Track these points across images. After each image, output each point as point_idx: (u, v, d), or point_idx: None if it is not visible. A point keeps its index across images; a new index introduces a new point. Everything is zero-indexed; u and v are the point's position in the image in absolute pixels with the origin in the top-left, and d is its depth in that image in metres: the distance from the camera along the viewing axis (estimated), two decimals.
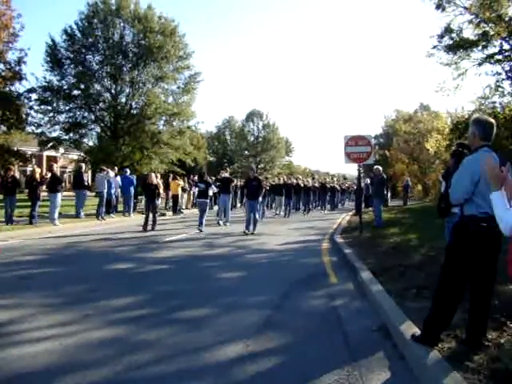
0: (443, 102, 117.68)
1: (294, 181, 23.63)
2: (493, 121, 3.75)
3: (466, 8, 18.57)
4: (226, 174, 17.22)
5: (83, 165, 20.67)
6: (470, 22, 18.82)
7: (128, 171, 19.63)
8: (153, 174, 14.75)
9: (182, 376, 3.45)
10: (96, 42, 28.96)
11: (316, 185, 26.52)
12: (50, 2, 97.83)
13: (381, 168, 15.62)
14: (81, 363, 3.62)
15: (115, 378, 3.38)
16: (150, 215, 13.82)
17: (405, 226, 13.39)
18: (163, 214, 19.43)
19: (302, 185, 23.75)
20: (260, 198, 13.77)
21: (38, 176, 14.69)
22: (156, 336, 4.32)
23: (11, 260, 8.47)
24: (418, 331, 3.87)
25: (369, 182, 24.63)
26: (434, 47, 19.89)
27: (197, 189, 13.59)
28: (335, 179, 37.62)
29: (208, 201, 14.56)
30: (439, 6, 18.60)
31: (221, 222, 15.87)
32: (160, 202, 16.38)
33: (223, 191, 15.94)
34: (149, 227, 13.66)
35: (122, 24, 29.26)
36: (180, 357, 3.81)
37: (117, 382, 3.34)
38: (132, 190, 18.69)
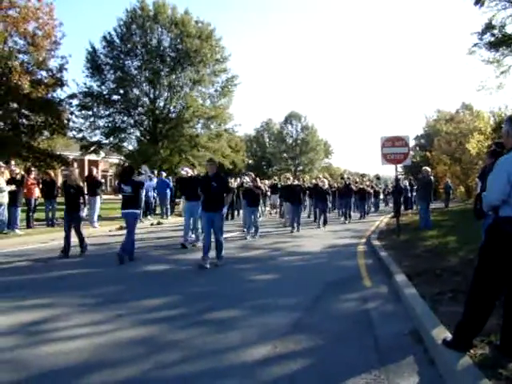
0: (486, 101, 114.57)
1: (314, 181, 19.88)
2: None
3: (509, 1, 17.94)
4: (190, 172, 12.59)
5: None
6: None
7: (164, 174, 19.91)
8: (75, 172, 10.57)
9: (208, 376, 3.46)
10: (134, 48, 29.67)
11: (340, 186, 21.34)
12: (90, 9, 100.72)
13: (429, 169, 15.22)
14: (109, 362, 3.70)
15: (142, 376, 3.44)
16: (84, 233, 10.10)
17: (444, 229, 13.03)
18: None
19: (323, 186, 17.07)
20: (225, 209, 9.41)
21: None
22: (185, 336, 4.36)
23: (51, 261, 8.80)
24: (449, 336, 3.74)
25: (407, 183, 24.19)
26: (475, 45, 19.37)
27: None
28: (365, 179, 29.17)
29: (137, 211, 9.55)
30: (478, 2, 17.99)
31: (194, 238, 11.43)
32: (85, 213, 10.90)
33: (188, 197, 11.48)
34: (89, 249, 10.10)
35: (159, 29, 29.91)
36: (207, 357, 3.82)
37: (143, 381, 3.38)
38: (168, 192, 18.94)
